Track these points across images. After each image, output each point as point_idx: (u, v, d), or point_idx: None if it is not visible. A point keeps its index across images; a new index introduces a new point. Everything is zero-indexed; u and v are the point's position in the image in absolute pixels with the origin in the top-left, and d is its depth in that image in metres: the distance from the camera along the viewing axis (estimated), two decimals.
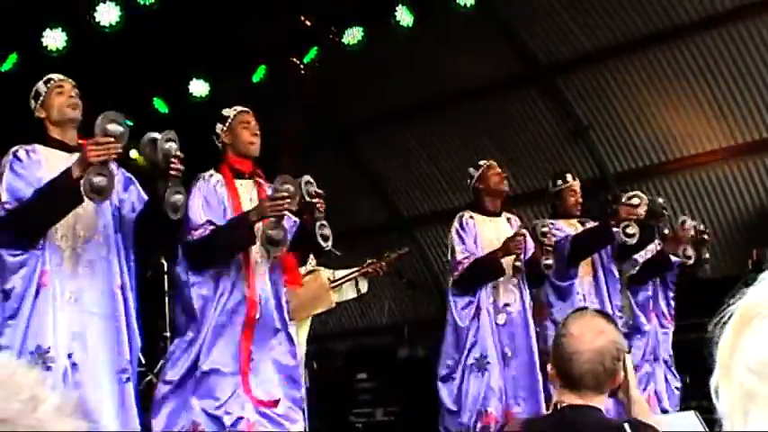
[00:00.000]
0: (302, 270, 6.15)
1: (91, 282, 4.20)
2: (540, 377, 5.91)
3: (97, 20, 8.14)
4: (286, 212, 4.62)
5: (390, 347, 10.81)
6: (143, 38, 8.80)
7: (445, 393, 5.99)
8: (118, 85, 8.63)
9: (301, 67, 9.87)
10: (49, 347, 4.01)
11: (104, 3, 8.14)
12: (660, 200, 6.95)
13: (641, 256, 6.71)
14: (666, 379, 6.75)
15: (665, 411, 6.44)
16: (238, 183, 4.84)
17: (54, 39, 8.36)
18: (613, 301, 6.43)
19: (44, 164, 4.20)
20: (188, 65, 9.83)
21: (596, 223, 6.51)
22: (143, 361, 6.68)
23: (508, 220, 6.26)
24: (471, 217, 6.13)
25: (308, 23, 9.46)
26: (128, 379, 4.24)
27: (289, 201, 4.58)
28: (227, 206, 4.74)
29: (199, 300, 4.64)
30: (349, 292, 6.72)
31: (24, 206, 4.06)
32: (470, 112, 10.85)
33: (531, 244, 6.11)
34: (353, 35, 9.40)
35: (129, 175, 4.49)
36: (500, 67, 10.35)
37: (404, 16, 9.07)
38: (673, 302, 6.94)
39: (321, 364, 8.90)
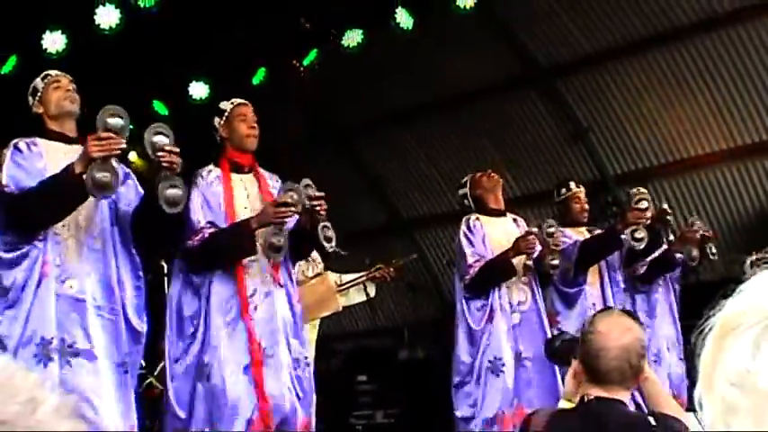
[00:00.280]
0: (299, 268, 6.12)
1: (91, 273, 4.18)
2: (558, 380, 5.80)
3: (97, 22, 8.15)
4: (288, 220, 4.60)
5: (390, 349, 10.82)
6: (143, 40, 8.80)
7: (459, 400, 5.92)
8: (118, 87, 8.62)
9: (301, 69, 9.87)
10: (52, 338, 3.99)
11: (104, 5, 8.15)
12: (665, 205, 6.94)
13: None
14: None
15: None
16: (237, 177, 4.80)
17: (54, 41, 8.37)
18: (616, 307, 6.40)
19: (45, 156, 4.19)
20: (188, 67, 9.83)
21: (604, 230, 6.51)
22: (143, 364, 6.66)
23: (514, 220, 6.24)
24: (477, 219, 6.10)
25: (308, 26, 9.46)
26: (126, 371, 4.21)
27: (293, 208, 4.57)
28: (221, 203, 4.71)
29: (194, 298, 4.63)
30: (357, 297, 6.71)
31: (25, 195, 4.03)
32: (470, 114, 10.86)
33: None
34: (353, 37, 9.40)
35: (127, 170, 4.46)
36: (500, 69, 10.36)
37: (403, 18, 9.07)
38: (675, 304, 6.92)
39: (321, 366, 8.89)
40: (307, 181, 4.75)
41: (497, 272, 5.91)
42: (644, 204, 6.20)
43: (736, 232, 9.76)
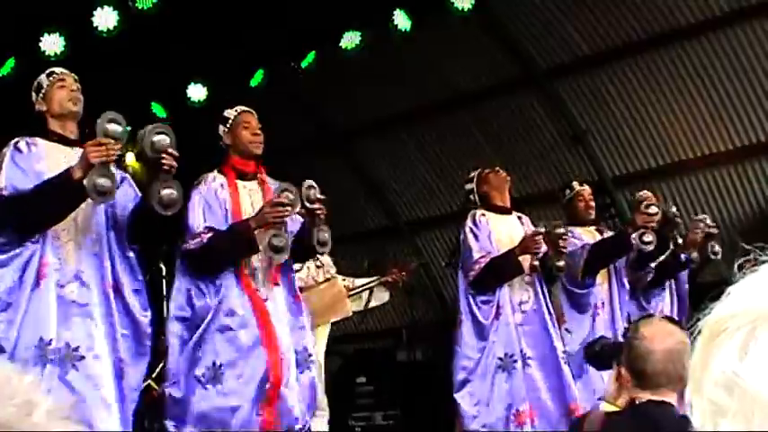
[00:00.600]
0: (308, 272, 6.12)
1: (91, 275, 4.18)
2: (566, 377, 5.78)
3: (95, 24, 8.17)
4: (286, 219, 4.60)
5: (389, 351, 10.82)
6: (141, 42, 8.81)
7: (463, 398, 5.78)
8: (116, 89, 8.63)
9: (299, 71, 9.88)
10: (51, 340, 3.98)
11: (102, 7, 8.16)
12: (673, 208, 6.94)
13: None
14: None
15: None
16: (241, 184, 4.81)
17: (52, 43, 8.39)
18: (623, 310, 6.40)
19: (44, 157, 4.18)
20: (186, 69, 9.84)
21: (613, 232, 6.51)
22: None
23: (519, 218, 6.20)
24: (483, 214, 6.03)
25: (306, 28, 9.46)
26: (120, 377, 4.20)
27: (289, 208, 4.57)
28: (228, 209, 4.72)
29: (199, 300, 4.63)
30: (373, 300, 6.68)
31: (22, 197, 4.03)
32: (468, 116, 10.86)
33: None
34: (351, 39, 9.41)
35: (124, 173, 4.47)
36: (498, 72, 10.37)
37: (401, 20, 9.08)
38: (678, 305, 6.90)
39: None
40: (309, 182, 4.75)
41: (504, 269, 5.83)
42: (653, 209, 6.19)
43: (736, 234, 9.76)
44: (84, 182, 3.93)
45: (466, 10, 8.86)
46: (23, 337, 3.98)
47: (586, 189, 6.71)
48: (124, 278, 4.31)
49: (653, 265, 6.63)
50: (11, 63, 8.68)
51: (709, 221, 6.84)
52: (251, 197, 4.81)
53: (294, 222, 4.77)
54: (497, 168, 6.27)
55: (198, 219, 4.63)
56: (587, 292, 6.28)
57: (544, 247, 5.81)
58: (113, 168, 4.12)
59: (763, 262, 0.88)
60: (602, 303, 6.30)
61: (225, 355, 4.54)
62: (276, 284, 4.74)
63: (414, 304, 9.74)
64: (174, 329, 4.68)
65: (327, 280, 6.23)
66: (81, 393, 4.00)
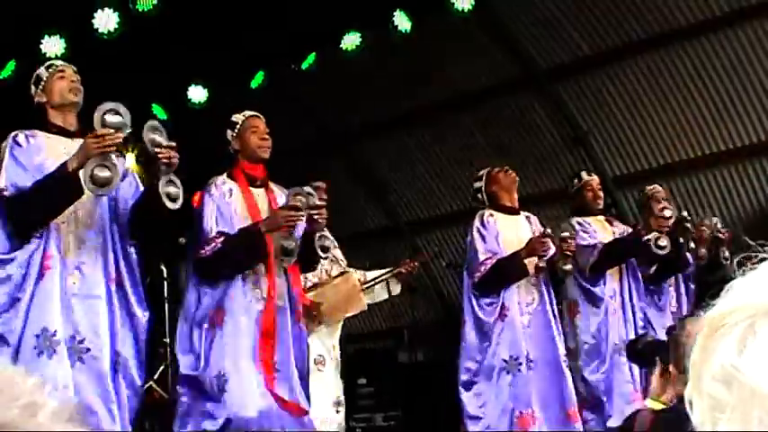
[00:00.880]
0: (321, 267, 6.10)
1: (93, 268, 4.18)
2: (567, 381, 5.78)
3: (96, 26, 8.16)
4: (298, 223, 4.63)
5: (390, 352, 10.81)
6: (142, 44, 8.81)
7: (468, 399, 5.79)
8: (116, 91, 8.62)
9: (299, 72, 9.88)
10: (55, 331, 3.99)
11: (103, 9, 8.16)
12: (684, 213, 6.96)
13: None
14: None
15: None
16: (255, 192, 4.83)
17: (52, 45, 8.39)
18: (636, 303, 6.41)
19: (44, 149, 4.19)
20: (187, 71, 9.84)
21: (626, 230, 6.50)
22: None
23: (527, 218, 6.18)
24: (492, 215, 6.02)
25: (306, 29, 9.47)
26: (116, 370, 4.20)
27: (302, 213, 4.59)
28: (243, 216, 4.72)
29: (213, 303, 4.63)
30: (381, 294, 6.67)
31: (22, 197, 4.04)
32: (469, 117, 10.86)
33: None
34: (351, 41, 9.41)
35: (127, 165, 4.50)
36: (498, 72, 10.37)
37: (401, 21, 9.08)
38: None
39: None
40: (308, 189, 4.78)
41: (509, 272, 5.82)
42: (668, 213, 6.20)
43: (737, 233, 9.76)
44: (81, 173, 3.94)
45: (466, 11, 8.86)
46: (29, 328, 3.98)
47: (595, 179, 6.74)
48: (125, 271, 4.31)
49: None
50: (11, 65, 8.68)
51: (719, 225, 6.85)
52: (258, 204, 4.83)
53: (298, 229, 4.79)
54: (506, 168, 6.25)
55: (211, 223, 4.65)
56: (599, 286, 6.28)
57: (552, 249, 5.79)
58: (115, 159, 4.12)
59: (763, 259, 0.89)
60: (613, 294, 6.31)
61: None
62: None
63: (415, 304, 9.73)
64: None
65: (341, 274, 6.18)
66: (91, 387, 4.02)
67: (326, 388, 5.71)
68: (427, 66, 10.31)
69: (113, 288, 4.24)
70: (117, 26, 8.16)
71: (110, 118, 4.02)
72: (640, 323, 6.33)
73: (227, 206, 4.73)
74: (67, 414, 0.78)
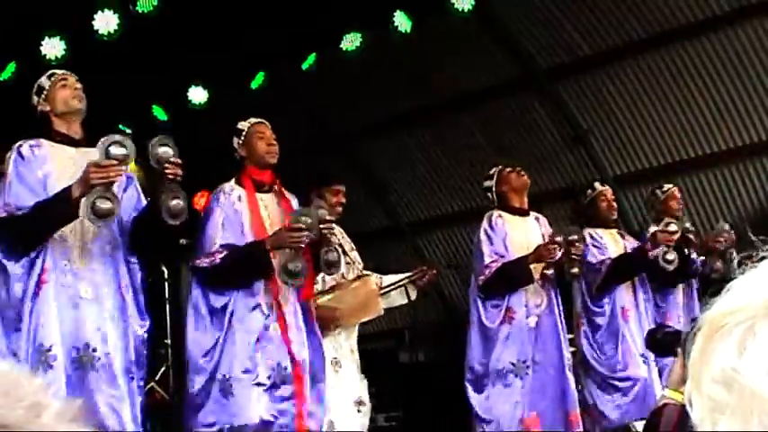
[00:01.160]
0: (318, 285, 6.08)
1: (103, 278, 4.19)
2: (570, 385, 5.76)
3: (96, 28, 8.16)
4: (303, 244, 4.58)
5: (391, 352, 10.81)
6: (141, 46, 8.81)
7: (479, 402, 5.79)
8: (117, 92, 8.64)
9: (300, 73, 9.88)
10: (51, 346, 3.98)
11: (103, 11, 8.16)
12: (688, 224, 6.95)
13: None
14: None
15: None
16: (259, 197, 4.81)
17: (52, 47, 8.38)
18: (648, 310, 6.43)
19: (49, 158, 4.18)
20: (187, 72, 9.84)
21: (634, 244, 6.49)
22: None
23: (537, 219, 6.11)
24: (500, 216, 5.94)
25: (307, 30, 9.47)
26: (132, 378, 4.23)
27: (308, 233, 4.57)
28: (247, 223, 4.71)
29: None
30: (398, 299, 6.62)
31: (21, 217, 4.04)
32: (469, 117, 10.86)
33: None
34: (352, 41, 9.41)
35: (130, 174, 4.47)
36: (499, 72, 10.37)
37: (402, 22, 9.08)
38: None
39: None
40: (320, 202, 4.79)
41: (514, 276, 5.75)
42: (673, 227, 6.21)
43: (737, 233, 9.75)
44: (83, 201, 3.94)
45: (466, 11, 8.86)
46: (29, 344, 3.99)
47: (608, 189, 6.74)
48: (127, 280, 4.32)
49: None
50: (11, 67, 8.68)
51: (732, 236, 6.79)
52: (267, 209, 4.81)
53: None
54: (519, 169, 6.17)
55: (216, 230, 4.63)
56: (602, 310, 6.28)
57: (559, 254, 5.74)
58: (116, 188, 4.13)
59: (763, 258, 0.89)
60: (628, 307, 6.32)
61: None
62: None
63: (415, 305, 9.73)
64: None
65: (359, 277, 6.12)
66: (102, 396, 4.03)
67: (345, 388, 5.68)
68: (427, 66, 10.31)
69: (124, 294, 4.25)
70: (117, 27, 8.16)
71: (114, 150, 4.01)
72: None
73: (237, 214, 4.71)
74: (71, 414, 0.79)
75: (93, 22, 8.15)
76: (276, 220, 4.77)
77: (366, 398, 5.88)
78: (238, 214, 4.72)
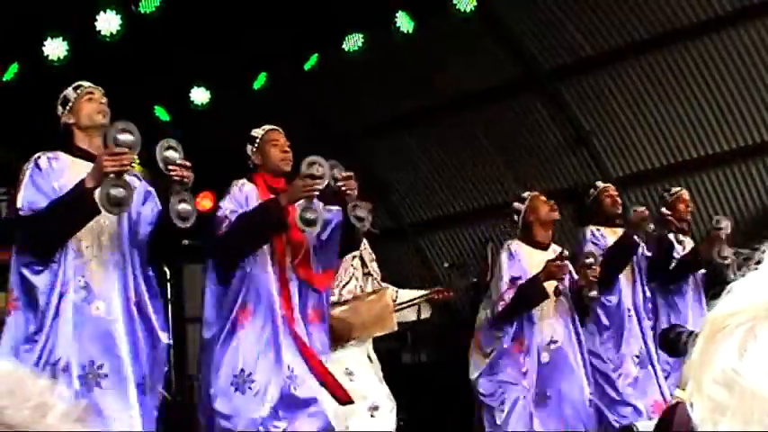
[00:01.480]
0: (356, 283, 6.05)
1: (114, 292, 4.17)
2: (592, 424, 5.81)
3: (98, 29, 8.16)
4: (317, 191, 4.57)
5: (394, 353, 10.80)
6: (144, 46, 8.82)
7: (488, 417, 5.84)
8: (119, 93, 8.64)
9: (302, 73, 9.89)
10: (59, 359, 3.98)
11: (105, 12, 8.16)
12: (663, 208, 6.95)
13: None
14: None
15: None
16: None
17: (55, 48, 8.38)
18: (646, 304, 6.44)
19: (66, 172, 4.17)
20: (189, 73, 9.85)
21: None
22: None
23: (555, 252, 5.99)
24: (519, 246, 5.94)
25: (309, 30, 9.47)
26: (143, 392, 4.21)
27: (320, 180, 4.53)
28: None
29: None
30: (409, 316, 6.57)
31: (38, 216, 4.02)
32: (472, 118, 10.86)
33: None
34: (354, 42, 9.42)
35: (149, 188, 4.44)
36: (501, 73, 10.37)
37: (404, 22, 9.08)
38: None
39: None
40: (333, 161, 4.75)
41: (529, 295, 5.74)
42: (640, 208, 6.28)
43: (739, 233, 9.75)
44: (97, 192, 3.94)
45: (468, 11, 8.86)
46: (43, 356, 3.98)
47: (611, 186, 6.77)
48: (144, 293, 4.30)
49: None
50: (14, 68, 8.68)
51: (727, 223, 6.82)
52: None
53: (333, 214, 4.75)
54: (552, 202, 6.11)
55: (227, 210, 4.61)
56: (612, 305, 6.29)
57: (570, 267, 5.76)
58: (136, 180, 4.13)
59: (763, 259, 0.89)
60: (629, 311, 6.34)
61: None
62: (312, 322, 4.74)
63: (418, 305, 9.73)
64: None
65: (375, 291, 6.09)
66: (112, 413, 4.02)
67: (359, 395, 5.68)
68: (429, 66, 10.31)
69: (135, 312, 4.22)
70: (119, 28, 8.16)
71: (122, 137, 4.02)
72: (650, 333, 6.36)
73: (247, 206, 4.68)
74: (76, 415, 0.79)
75: (95, 23, 8.16)
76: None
77: (383, 402, 5.83)
78: (249, 203, 4.70)
